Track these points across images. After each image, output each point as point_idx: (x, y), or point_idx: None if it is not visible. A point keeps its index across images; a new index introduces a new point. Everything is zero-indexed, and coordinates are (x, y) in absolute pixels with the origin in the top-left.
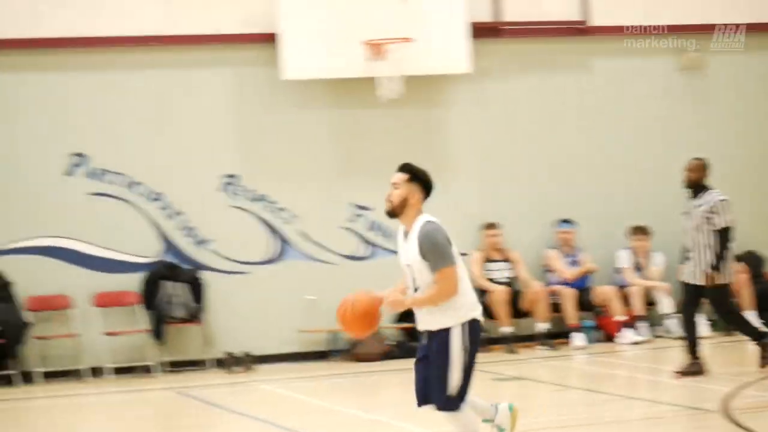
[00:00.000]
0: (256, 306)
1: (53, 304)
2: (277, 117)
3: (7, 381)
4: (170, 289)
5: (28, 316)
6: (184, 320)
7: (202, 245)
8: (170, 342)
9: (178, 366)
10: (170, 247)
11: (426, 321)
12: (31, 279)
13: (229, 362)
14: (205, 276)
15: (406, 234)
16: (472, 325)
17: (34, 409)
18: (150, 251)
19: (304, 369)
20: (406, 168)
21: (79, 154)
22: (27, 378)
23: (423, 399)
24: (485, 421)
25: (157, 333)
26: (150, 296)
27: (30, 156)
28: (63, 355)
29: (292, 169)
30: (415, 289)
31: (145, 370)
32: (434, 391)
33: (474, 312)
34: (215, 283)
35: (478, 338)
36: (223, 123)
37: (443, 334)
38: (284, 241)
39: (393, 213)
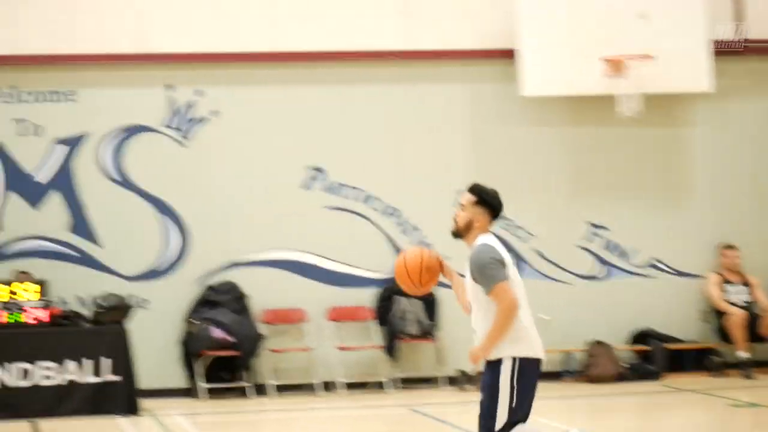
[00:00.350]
0: None
1: (288, 318)
2: (513, 133)
3: (241, 393)
4: (404, 306)
5: (262, 328)
6: (417, 337)
7: None
8: (403, 358)
9: (410, 383)
10: None
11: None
12: (267, 292)
13: (461, 380)
14: (439, 293)
15: None
16: (524, 364)
17: (267, 422)
18: (385, 267)
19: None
20: (474, 190)
21: (317, 168)
22: (260, 390)
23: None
24: None
25: (390, 349)
26: (384, 312)
27: (268, 169)
28: (296, 369)
29: (528, 186)
30: (472, 311)
31: (378, 385)
32: (481, 424)
33: (530, 350)
34: (449, 300)
35: (530, 380)
36: (459, 139)
37: (495, 366)
38: (520, 259)
39: (457, 234)
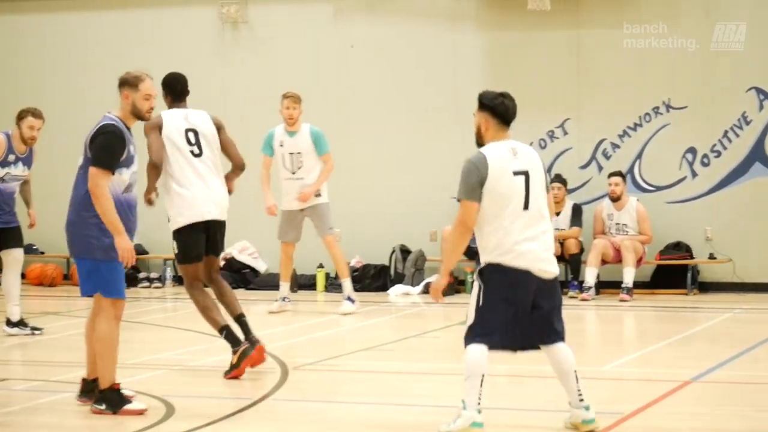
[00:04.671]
0: None
1: None
2: None
3: None
4: None
5: None
6: None
7: None
8: None
9: None
10: None
11: None
12: None
13: None
14: None
15: None
16: (493, 269)
17: None
18: None
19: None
20: (479, 96)
21: None
22: None
23: None
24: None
25: None
26: None
27: None
28: None
29: None
30: None
31: None
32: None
33: (498, 256)
34: None
35: (499, 285)
36: None
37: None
38: None
39: (479, 144)
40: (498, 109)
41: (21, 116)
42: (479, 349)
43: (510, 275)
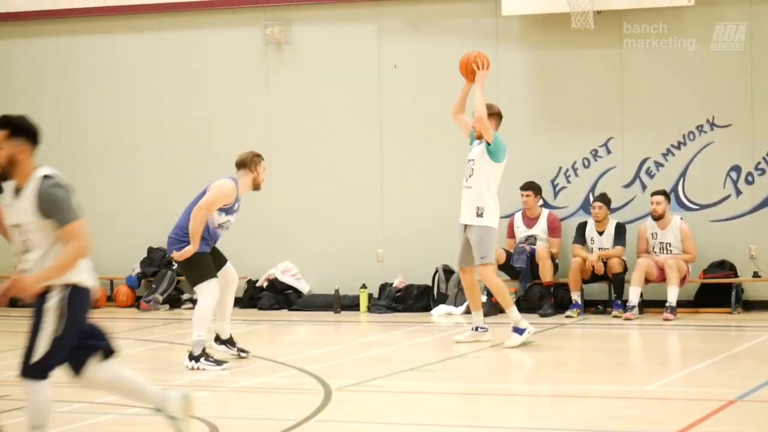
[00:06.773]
0: None
1: None
2: None
3: None
4: None
5: None
6: None
7: None
8: None
9: None
10: None
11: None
12: None
13: None
14: None
15: (17, 191)
16: (77, 291)
17: None
18: None
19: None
20: (4, 124)
21: None
22: None
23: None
24: (157, 411)
25: None
26: None
27: None
28: None
29: None
30: (25, 251)
31: None
32: (23, 356)
33: (81, 277)
34: None
35: (82, 308)
36: None
37: (42, 294)
38: None
39: (2, 176)
40: (35, 132)
41: (256, 161)
42: (47, 388)
43: (87, 295)
